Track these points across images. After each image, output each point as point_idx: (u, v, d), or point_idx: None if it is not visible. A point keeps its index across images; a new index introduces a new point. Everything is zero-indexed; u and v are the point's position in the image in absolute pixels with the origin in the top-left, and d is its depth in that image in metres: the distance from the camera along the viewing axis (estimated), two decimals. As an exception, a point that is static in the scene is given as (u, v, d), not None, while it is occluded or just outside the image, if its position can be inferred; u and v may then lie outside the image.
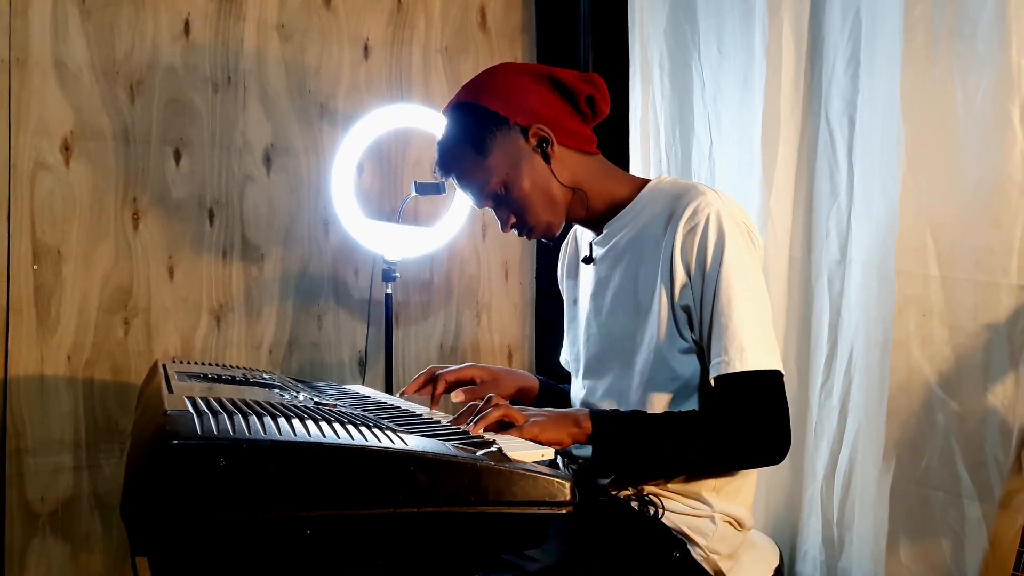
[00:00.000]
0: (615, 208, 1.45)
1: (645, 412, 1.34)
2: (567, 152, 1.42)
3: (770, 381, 1.28)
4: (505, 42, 2.70)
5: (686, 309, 1.33)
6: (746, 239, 1.32)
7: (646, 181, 1.46)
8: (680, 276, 1.32)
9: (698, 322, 1.33)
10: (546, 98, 1.42)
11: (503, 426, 1.23)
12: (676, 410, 1.35)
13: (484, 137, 1.38)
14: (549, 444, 1.19)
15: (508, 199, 1.41)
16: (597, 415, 1.28)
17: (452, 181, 1.46)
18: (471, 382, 1.51)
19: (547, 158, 1.40)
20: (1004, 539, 1.55)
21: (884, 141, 1.74)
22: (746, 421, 1.28)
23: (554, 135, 1.40)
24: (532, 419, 1.24)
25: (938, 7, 1.62)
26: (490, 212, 1.47)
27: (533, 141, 1.39)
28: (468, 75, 2.60)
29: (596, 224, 1.48)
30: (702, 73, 2.19)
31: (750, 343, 1.27)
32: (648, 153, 2.37)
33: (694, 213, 1.32)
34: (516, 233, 1.46)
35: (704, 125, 2.19)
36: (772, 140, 1.97)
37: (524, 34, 2.74)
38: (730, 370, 1.27)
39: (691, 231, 1.31)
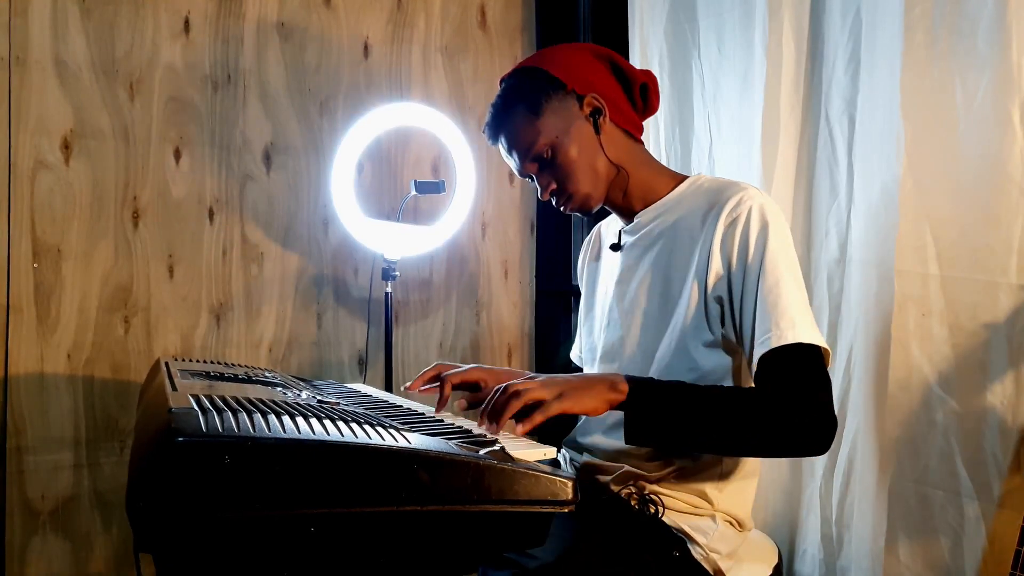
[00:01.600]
0: (650, 197, 1.46)
1: (685, 382, 1.28)
2: (616, 130, 1.44)
3: (819, 358, 1.25)
4: (505, 41, 2.70)
5: (719, 300, 1.32)
6: (788, 231, 1.33)
7: (685, 177, 1.47)
8: (716, 267, 1.32)
9: (732, 312, 1.31)
10: (604, 75, 1.44)
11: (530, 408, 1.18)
12: None
13: (540, 98, 1.40)
14: (585, 413, 1.18)
15: (553, 163, 1.42)
16: (634, 380, 1.22)
17: (500, 145, 1.46)
18: (476, 385, 1.50)
19: (598, 129, 1.41)
20: (1003, 538, 1.56)
21: (884, 140, 1.74)
22: (796, 399, 1.22)
23: (607, 109, 1.41)
24: (563, 393, 1.18)
25: (938, 6, 1.63)
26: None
27: (587, 110, 1.41)
28: (468, 74, 2.63)
29: (628, 212, 1.48)
30: (702, 72, 2.20)
31: (800, 319, 1.25)
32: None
33: (737, 205, 1.32)
34: (553, 202, 1.46)
35: (704, 124, 2.20)
36: (772, 139, 1.97)
37: (524, 33, 2.74)
38: (782, 342, 1.22)
39: (733, 222, 1.31)
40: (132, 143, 2.16)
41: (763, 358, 1.25)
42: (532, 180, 1.47)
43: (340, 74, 2.43)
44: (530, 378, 1.22)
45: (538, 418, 1.17)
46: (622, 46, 2.45)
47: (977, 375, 1.59)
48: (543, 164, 1.43)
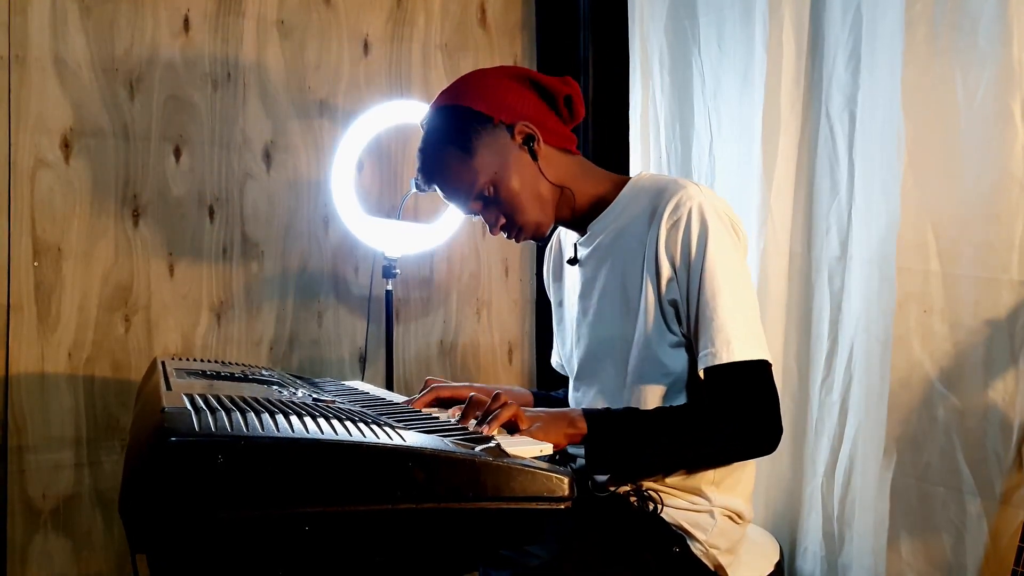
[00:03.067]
0: (598, 207, 1.44)
1: (638, 409, 1.34)
2: (552, 151, 1.41)
3: (757, 371, 1.29)
4: (505, 39, 2.70)
5: (673, 303, 1.33)
6: (729, 231, 1.32)
7: (627, 179, 1.45)
8: (665, 270, 1.32)
9: (685, 315, 1.32)
10: (527, 98, 1.41)
11: (509, 427, 1.23)
12: (669, 404, 1.35)
13: (469, 137, 1.37)
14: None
15: (497, 199, 1.39)
16: (591, 415, 1.28)
17: (435, 189, 1.43)
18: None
19: (534, 155, 1.39)
20: (1004, 535, 1.55)
21: (885, 137, 1.73)
22: (736, 412, 1.28)
23: (539, 133, 1.39)
24: (535, 424, 1.23)
25: (939, 3, 1.62)
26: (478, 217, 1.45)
27: (519, 139, 1.38)
28: (468, 71, 2.61)
29: (580, 224, 1.47)
30: (702, 69, 2.19)
31: (736, 334, 1.27)
32: (648, 149, 2.37)
33: (677, 207, 1.31)
34: (505, 235, 1.44)
35: (704, 121, 2.19)
36: (772, 136, 1.97)
37: (524, 30, 2.73)
38: (717, 362, 1.27)
39: (674, 225, 1.31)
40: (132, 141, 2.16)
41: (705, 372, 1.30)
42: (476, 215, 1.44)
43: (340, 72, 2.43)
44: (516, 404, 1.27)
45: (522, 435, 1.21)
46: (622, 43, 2.44)
47: (978, 372, 1.59)
48: (487, 202, 1.41)
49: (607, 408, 1.33)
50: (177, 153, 2.22)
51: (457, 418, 1.27)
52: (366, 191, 2.44)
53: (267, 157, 2.33)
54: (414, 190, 2.20)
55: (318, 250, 2.41)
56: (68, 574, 2.09)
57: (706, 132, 2.19)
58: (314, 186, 2.39)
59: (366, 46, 2.47)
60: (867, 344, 1.77)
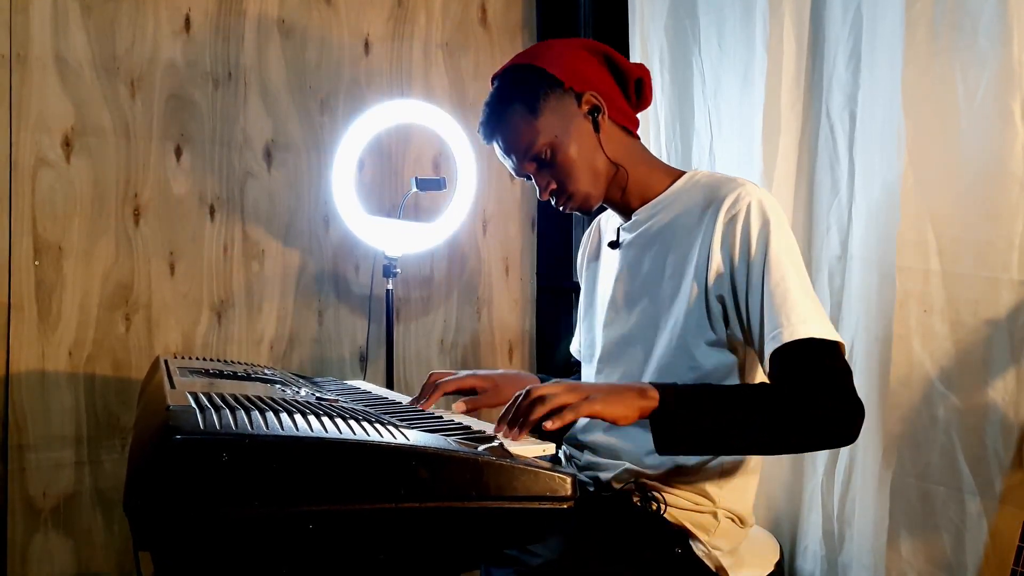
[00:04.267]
0: (648, 194, 1.44)
1: (709, 384, 1.29)
2: (614, 127, 1.42)
3: (834, 349, 1.23)
4: (506, 37, 2.70)
5: (720, 299, 1.30)
6: (788, 226, 1.32)
7: (682, 173, 1.46)
8: (717, 265, 1.30)
9: (735, 311, 1.29)
10: (600, 71, 1.42)
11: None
12: None
13: (538, 96, 1.38)
14: (615, 420, 1.14)
15: (552, 163, 1.39)
16: (662, 387, 1.19)
17: (496, 145, 1.44)
18: (471, 391, 1.49)
19: (597, 127, 1.40)
20: (1004, 534, 1.56)
21: (885, 136, 1.73)
22: (819, 390, 1.20)
23: (606, 106, 1.40)
24: (591, 396, 1.15)
25: (939, 2, 1.62)
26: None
27: (585, 108, 1.39)
28: (469, 70, 2.63)
29: (626, 209, 1.47)
30: (702, 68, 2.19)
31: (810, 316, 1.22)
32: (648, 148, 2.37)
33: (735, 202, 1.30)
34: (553, 201, 1.44)
35: (704, 120, 2.19)
36: (773, 135, 1.97)
37: (524, 29, 2.74)
38: (794, 337, 1.21)
39: (732, 219, 1.30)
40: (133, 140, 2.16)
41: (775, 354, 1.23)
42: (529, 179, 1.45)
43: (341, 71, 2.43)
44: (555, 383, 1.19)
45: (568, 416, 1.13)
46: (622, 42, 2.44)
47: (979, 371, 1.59)
48: (542, 164, 1.41)
49: (674, 383, 1.23)
50: (178, 152, 2.22)
51: (463, 411, 1.26)
52: (367, 190, 2.44)
53: (268, 156, 2.33)
54: (415, 189, 2.21)
55: (319, 249, 2.41)
56: (68, 573, 2.10)
57: (706, 131, 2.19)
58: (315, 185, 2.39)
59: (367, 45, 2.47)
60: (867, 343, 1.78)
